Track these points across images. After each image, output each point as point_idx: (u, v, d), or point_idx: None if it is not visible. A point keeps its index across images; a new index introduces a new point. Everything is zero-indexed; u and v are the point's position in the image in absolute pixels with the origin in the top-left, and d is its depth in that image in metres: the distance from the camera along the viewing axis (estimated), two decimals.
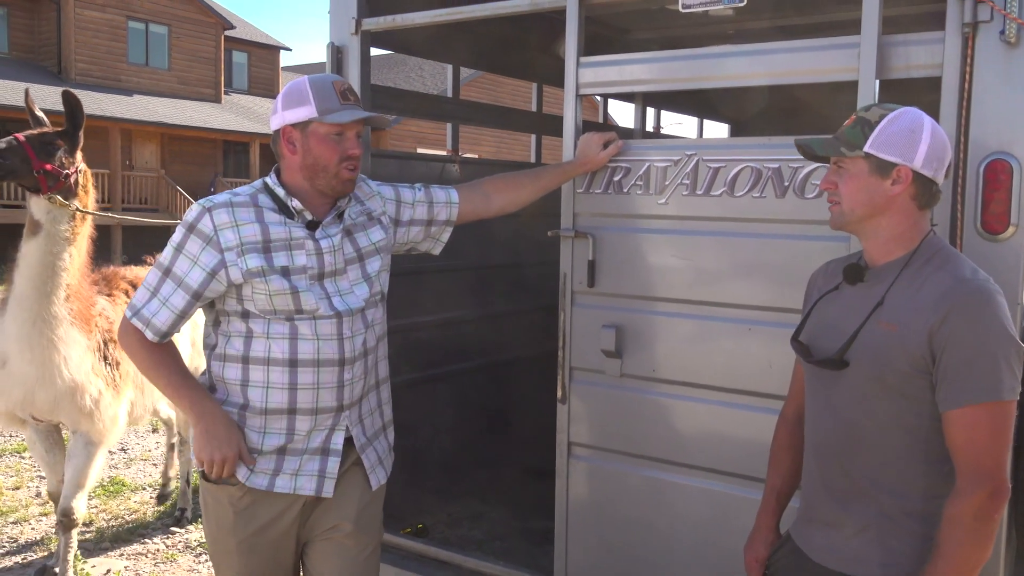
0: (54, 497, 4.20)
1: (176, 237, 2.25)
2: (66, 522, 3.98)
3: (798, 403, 2.12)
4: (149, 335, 2.25)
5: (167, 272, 2.24)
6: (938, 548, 1.74)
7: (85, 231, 3.83)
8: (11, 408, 3.87)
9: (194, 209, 2.25)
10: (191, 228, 2.22)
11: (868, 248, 1.91)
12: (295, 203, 2.27)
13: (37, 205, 3.70)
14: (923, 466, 1.81)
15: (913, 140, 1.79)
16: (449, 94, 4.70)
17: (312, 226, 2.29)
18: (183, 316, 2.26)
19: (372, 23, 3.30)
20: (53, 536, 4.76)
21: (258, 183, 2.34)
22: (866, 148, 1.82)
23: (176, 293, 2.22)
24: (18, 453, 6.38)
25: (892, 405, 1.81)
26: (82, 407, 3.84)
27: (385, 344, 2.50)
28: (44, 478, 5.55)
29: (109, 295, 4.24)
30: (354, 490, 2.40)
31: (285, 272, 2.22)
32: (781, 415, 2.21)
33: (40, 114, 3.88)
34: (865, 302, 1.86)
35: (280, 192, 2.29)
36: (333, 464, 2.33)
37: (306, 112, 2.24)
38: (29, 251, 3.68)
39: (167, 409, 4.94)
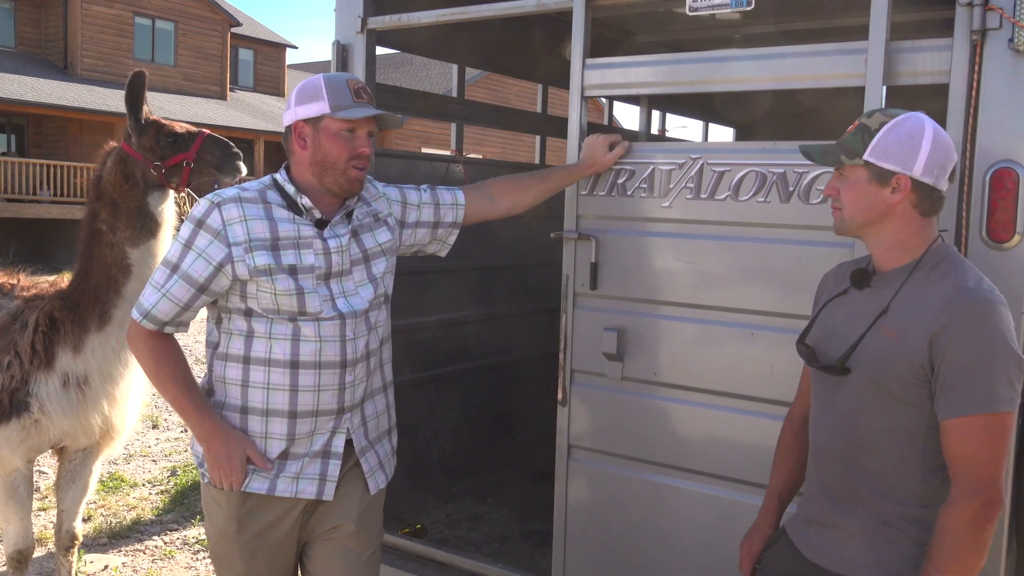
0: (27, 554, 3.59)
1: (184, 233, 2.23)
2: (73, 544, 3.74)
3: (805, 405, 2.12)
4: (148, 325, 2.24)
5: (169, 265, 2.22)
6: (930, 557, 1.75)
7: None
8: (65, 435, 3.45)
9: (202, 204, 2.22)
10: (200, 223, 2.20)
11: (874, 254, 1.92)
12: (305, 200, 2.26)
13: (168, 201, 3.42)
14: (920, 472, 1.81)
15: (912, 148, 1.78)
16: (454, 94, 4.70)
17: (321, 225, 2.28)
18: (186, 308, 2.22)
19: (378, 22, 3.29)
20: (49, 534, 4.76)
21: (266, 179, 2.33)
22: (865, 156, 1.81)
23: (177, 284, 2.20)
24: None
25: (892, 411, 1.81)
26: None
27: (389, 347, 2.49)
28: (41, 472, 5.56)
29: None
30: (355, 491, 2.39)
31: (292, 271, 2.20)
32: (788, 416, 2.22)
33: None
34: (870, 308, 1.86)
35: (290, 189, 2.27)
36: (334, 467, 2.32)
37: (319, 108, 2.23)
38: (150, 253, 3.33)
39: None
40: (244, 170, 3.49)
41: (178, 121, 3.60)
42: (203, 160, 3.43)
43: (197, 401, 2.26)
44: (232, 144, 3.51)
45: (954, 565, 1.71)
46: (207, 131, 3.51)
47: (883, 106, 2.33)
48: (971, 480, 1.71)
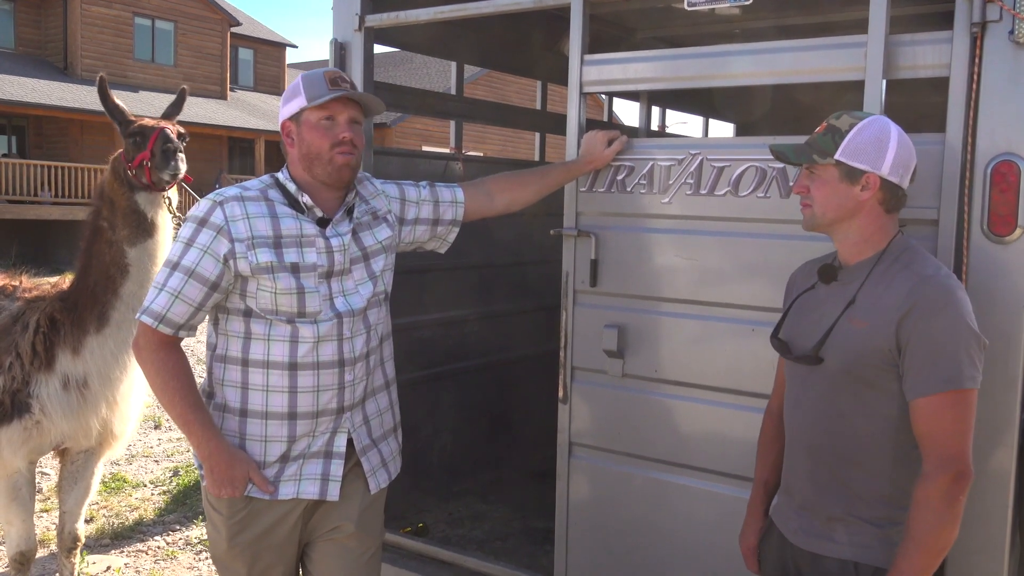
0: (30, 556, 3.59)
1: (185, 232, 2.21)
2: (75, 546, 3.76)
3: (782, 397, 2.21)
4: (165, 329, 2.19)
5: (176, 266, 2.18)
6: (908, 531, 1.83)
7: None
8: (66, 437, 3.45)
9: (203, 203, 2.21)
10: (202, 222, 2.18)
11: (840, 249, 2.02)
12: (306, 199, 2.26)
13: (157, 202, 3.38)
14: (892, 453, 1.91)
15: (881, 149, 1.88)
16: (453, 91, 4.69)
17: (323, 223, 2.27)
18: (199, 308, 2.19)
19: (375, 19, 3.28)
20: (52, 535, 4.76)
21: (266, 178, 2.33)
22: (836, 156, 1.90)
23: (189, 284, 2.16)
24: None
25: (863, 397, 1.91)
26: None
27: (390, 345, 2.48)
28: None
29: None
30: (356, 491, 2.38)
31: (295, 269, 2.19)
32: (767, 409, 2.30)
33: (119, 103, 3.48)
34: (838, 301, 1.97)
35: (291, 187, 2.28)
36: (336, 467, 2.31)
37: (298, 103, 2.25)
38: (147, 254, 3.32)
39: None
40: (182, 169, 3.34)
41: (148, 117, 3.56)
42: (157, 158, 3.32)
43: (203, 418, 2.24)
44: (171, 138, 3.35)
45: (932, 536, 1.80)
46: (164, 125, 3.41)
47: (883, 100, 2.35)
48: (942, 455, 1.80)
